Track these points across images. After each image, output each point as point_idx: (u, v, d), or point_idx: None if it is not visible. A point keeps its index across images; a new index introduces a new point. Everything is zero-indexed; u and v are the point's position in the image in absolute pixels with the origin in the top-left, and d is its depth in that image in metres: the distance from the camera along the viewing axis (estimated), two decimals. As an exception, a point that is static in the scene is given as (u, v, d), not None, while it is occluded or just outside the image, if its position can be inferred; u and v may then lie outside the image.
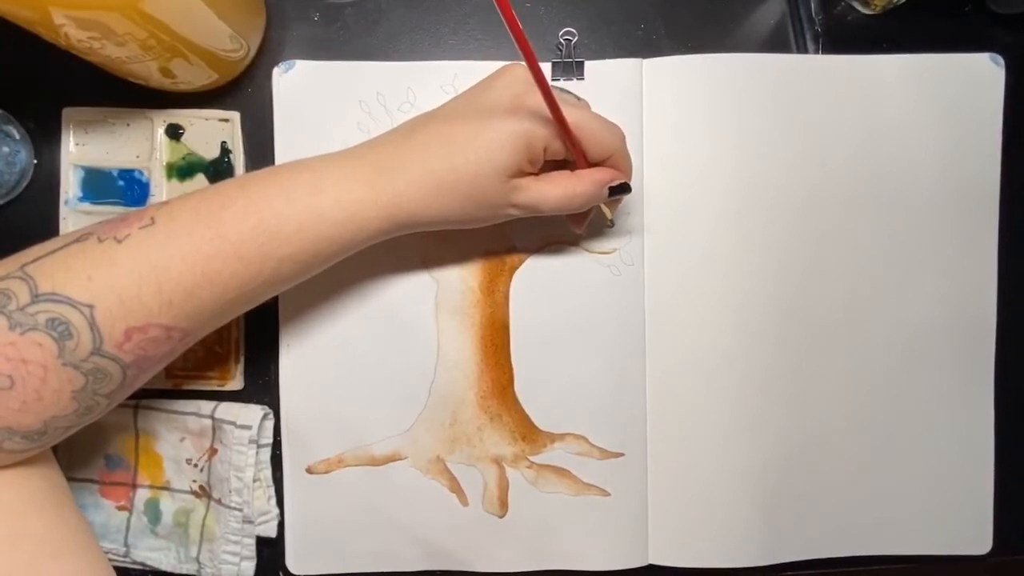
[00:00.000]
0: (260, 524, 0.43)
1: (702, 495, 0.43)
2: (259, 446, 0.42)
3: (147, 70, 0.37)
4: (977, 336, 0.45)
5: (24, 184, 0.42)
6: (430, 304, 0.43)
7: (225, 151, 0.42)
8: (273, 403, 0.43)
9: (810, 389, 0.44)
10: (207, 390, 0.43)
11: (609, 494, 0.43)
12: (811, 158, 0.43)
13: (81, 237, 0.31)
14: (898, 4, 0.43)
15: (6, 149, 0.42)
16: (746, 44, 0.44)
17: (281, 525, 0.43)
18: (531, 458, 0.43)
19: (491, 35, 0.43)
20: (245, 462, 0.41)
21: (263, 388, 0.43)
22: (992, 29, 0.45)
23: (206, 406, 0.42)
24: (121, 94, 0.41)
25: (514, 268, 0.43)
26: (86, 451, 0.43)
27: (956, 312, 0.44)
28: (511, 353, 0.43)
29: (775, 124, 0.43)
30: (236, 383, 0.43)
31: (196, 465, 0.43)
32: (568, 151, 0.35)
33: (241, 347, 0.43)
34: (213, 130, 0.42)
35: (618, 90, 0.42)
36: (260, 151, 0.43)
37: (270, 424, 0.43)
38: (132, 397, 0.34)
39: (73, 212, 0.42)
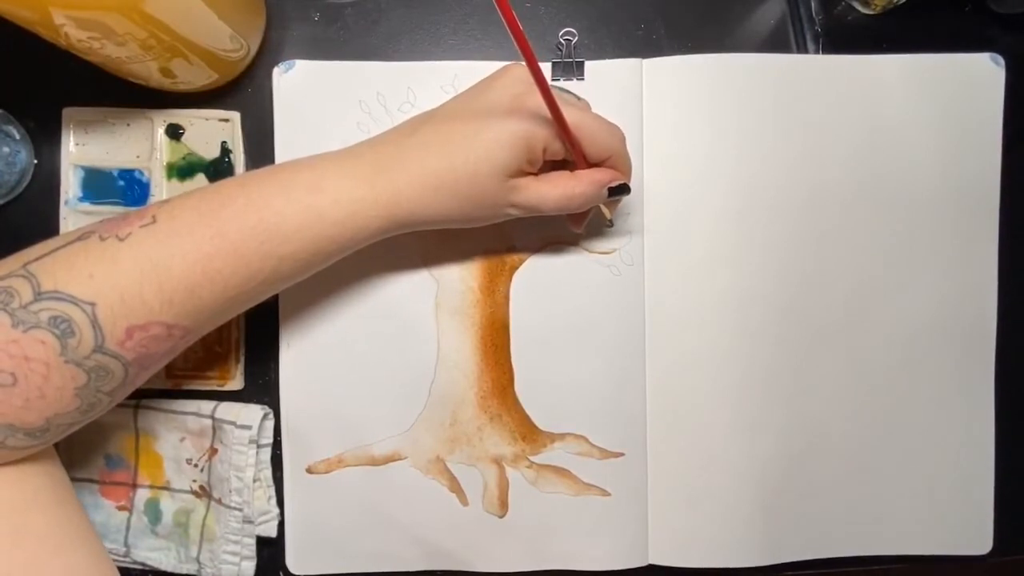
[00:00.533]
0: (260, 524, 0.43)
1: (702, 495, 0.43)
2: (259, 446, 0.42)
3: (147, 70, 0.37)
4: (977, 336, 0.45)
5: (24, 184, 0.42)
6: (430, 304, 0.43)
7: (225, 151, 0.42)
8: (273, 403, 0.43)
9: (810, 389, 0.44)
10: (207, 390, 0.43)
11: (609, 494, 0.43)
12: (811, 158, 0.43)
13: (83, 235, 0.31)
14: (898, 4, 0.43)
15: (6, 149, 0.42)
16: (746, 44, 0.44)
17: (281, 525, 0.43)
18: (531, 458, 0.43)
19: (491, 35, 0.44)
20: (245, 462, 0.41)
21: (263, 388, 0.43)
22: (992, 29, 0.45)
23: (206, 406, 0.42)
24: (121, 94, 0.41)
25: (514, 268, 0.43)
26: (86, 451, 0.43)
27: (956, 312, 0.44)
28: (511, 353, 0.43)
29: (775, 124, 0.43)
30: (236, 383, 0.43)
31: (196, 465, 0.43)
32: (568, 151, 0.35)
33: (241, 347, 0.43)
34: (213, 130, 0.42)
35: (618, 90, 0.42)
36: (260, 151, 0.43)
37: (270, 424, 0.43)
38: (132, 397, 0.34)
39: (73, 212, 0.42)
